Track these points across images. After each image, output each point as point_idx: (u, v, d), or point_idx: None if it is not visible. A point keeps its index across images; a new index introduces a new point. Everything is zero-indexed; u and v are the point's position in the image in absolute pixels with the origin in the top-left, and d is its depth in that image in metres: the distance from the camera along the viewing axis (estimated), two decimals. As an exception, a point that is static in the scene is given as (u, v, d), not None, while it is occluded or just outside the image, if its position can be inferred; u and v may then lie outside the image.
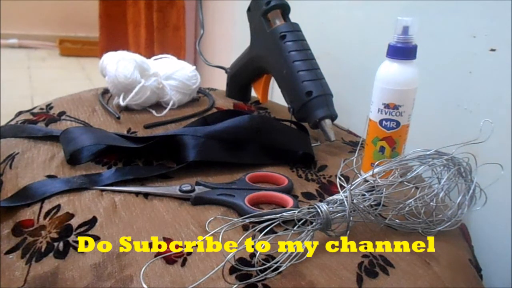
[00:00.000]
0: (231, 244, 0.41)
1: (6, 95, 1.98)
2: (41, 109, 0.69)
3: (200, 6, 0.99)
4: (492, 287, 0.60)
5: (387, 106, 0.52)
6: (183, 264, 0.39)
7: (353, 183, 0.44)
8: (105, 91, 0.76)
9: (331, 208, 0.41)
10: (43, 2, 2.97)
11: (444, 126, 0.66)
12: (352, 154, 0.64)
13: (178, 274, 0.38)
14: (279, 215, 0.40)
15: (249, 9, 0.74)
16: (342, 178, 0.49)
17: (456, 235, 0.50)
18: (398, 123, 0.52)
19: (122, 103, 0.68)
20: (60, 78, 2.44)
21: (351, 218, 0.42)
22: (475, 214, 0.60)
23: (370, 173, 0.45)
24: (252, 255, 0.40)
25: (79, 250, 0.40)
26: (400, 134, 0.53)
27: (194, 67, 0.76)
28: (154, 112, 0.71)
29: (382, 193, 0.44)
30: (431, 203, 0.45)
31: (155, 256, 0.40)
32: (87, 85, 2.31)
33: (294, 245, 0.39)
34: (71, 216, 0.44)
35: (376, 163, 0.46)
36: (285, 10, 0.71)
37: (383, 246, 0.44)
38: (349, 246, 0.43)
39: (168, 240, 0.42)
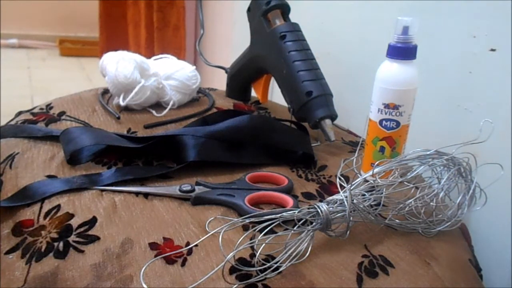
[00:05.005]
0: (231, 244, 0.41)
1: (6, 95, 1.98)
2: (41, 109, 0.69)
3: (200, 6, 0.99)
4: (492, 287, 0.60)
5: (387, 106, 0.52)
6: (183, 264, 0.39)
7: (353, 183, 0.44)
8: (105, 91, 0.76)
9: (331, 208, 0.41)
10: (43, 2, 2.97)
11: (444, 126, 0.66)
12: (352, 154, 0.64)
13: (178, 274, 0.38)
14: (279, 215, 0.40)
15: (249, 9, 0.74)
16: (342, 178, 0.49)
17: (456, 235, 0.50)
18: (398, 123, 0.52)
19: (122, 103, 0.68)
20: (60, 78, 2.44)
21: (351, 218, 0.42)
22: (475, 214, 0.60)
23: (370, 173, 0.45)
24: (252, 255, 0.40)
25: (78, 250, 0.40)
26: (400, 134, 0.53)
27: (194, 67, 0.76)
28: (154, 112, 0.71)
29: (382, 193, 0.44)
30: (431, 203, 0.45)
31: (155, 256, 0.40)
32: (87, 85, 2.31)
33: (294, 245, 0.39)
34: (71, 216, 0.44)
35: (376, 163, 0.46)
36: (285, 10, 0.71)
37: (383, 246, 0.44)
38: (349, 246, 0.43)
39: (168, 240, 0.42)
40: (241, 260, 0.40)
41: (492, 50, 0.58)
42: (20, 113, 0.68)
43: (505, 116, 0.57)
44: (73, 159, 0.54)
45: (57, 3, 2.99)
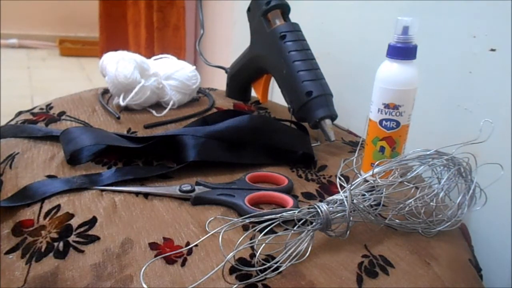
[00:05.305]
0: (231, 244, 0.41)
1: (6, 95, 1.98)
2: (41, 109, 0.69)
3: (200, 6, 0.99)
4: (492, 287, 0.60)
5: (387, 106, 0.52)
6: (183, 264, 0.39)
7: (353, 183, 0.44)
8: (105, 91, 0.76)
9: (331, 208, 0.41)
10: (43, 2, 2.97)
11: (444, 126, 0.66)
12: (352, 154, 0.64)
13: (178, 274, 0.38)
14: (279, 215, 0.40)
15: (249, 9, 0.74)
16: (342, 178, 0.49)
17: (456, 235, 0.50)
18: (398, 123, 0.52)
19: (122, 103, 0.68)
20: (60, 78, 2.44)
21: (351, 218, 0.42)
22: (475, 214, 0.60)
23: (370, 173, 0.45)
24: (252, 255, 0.40)
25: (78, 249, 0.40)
26: (400, 134, 0.53)
27: (194, 67, 0.76)
28: (154, 112, 0.71)
29: (382, 193, 0.44)
30: (431, 203, 0.45)
31: (155, 256, 0.40)
32: (87, 85, 2.31)
33: (294, 245, 0.39)
34: (71, 216, 0.44)
35: (376, 163, 0.46)
36: (285, 10, 0.71)
37: (383, 246, 0.44)
38: (349, 246, 0.43)
39: (168, 240, 0.42)
40: (241, 260, 0.40)
41: (492, 50, 0.58)
42: (20, 113, 0.68)
43: (505, 116, 0.57)
44: (73, 159, 0.54)
45: (57, 3, 2.99)
